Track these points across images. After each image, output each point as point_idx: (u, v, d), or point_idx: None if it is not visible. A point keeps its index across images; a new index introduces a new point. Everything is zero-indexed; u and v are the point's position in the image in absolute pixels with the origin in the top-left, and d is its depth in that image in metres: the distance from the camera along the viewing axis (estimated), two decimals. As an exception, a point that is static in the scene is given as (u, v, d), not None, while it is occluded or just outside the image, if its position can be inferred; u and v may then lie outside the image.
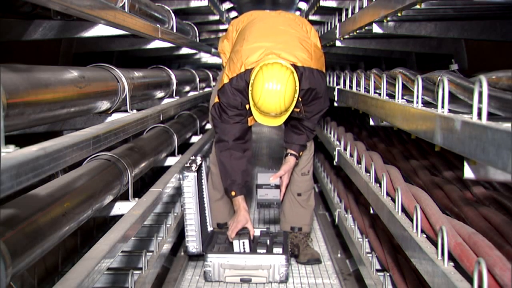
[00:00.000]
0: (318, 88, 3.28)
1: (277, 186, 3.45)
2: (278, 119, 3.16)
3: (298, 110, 3.25)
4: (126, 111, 2.64)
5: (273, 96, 3.03)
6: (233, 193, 3.35)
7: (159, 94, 3.65)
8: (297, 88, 3.11)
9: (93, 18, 2.16)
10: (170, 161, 3.71)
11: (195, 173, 3.27)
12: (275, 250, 3.24)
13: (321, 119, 3.54)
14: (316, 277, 3.36)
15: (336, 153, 3.66)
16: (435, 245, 1.67)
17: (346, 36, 3.60)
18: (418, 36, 3.19)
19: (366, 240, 2.96)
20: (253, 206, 4.98)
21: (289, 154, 3.50)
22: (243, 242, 3.25)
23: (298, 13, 7.34)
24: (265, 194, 3.45)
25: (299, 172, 3.66)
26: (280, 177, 3.46)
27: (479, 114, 1.32)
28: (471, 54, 3.45)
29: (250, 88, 3.13)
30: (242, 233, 3.29)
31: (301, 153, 3.53)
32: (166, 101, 3.79)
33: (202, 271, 3.30)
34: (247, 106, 3.26)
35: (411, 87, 2.08)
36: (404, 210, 2.11)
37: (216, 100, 3.35)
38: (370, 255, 2.86)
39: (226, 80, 3.28)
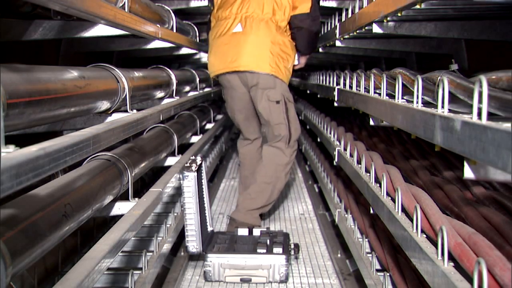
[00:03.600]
0: None
1: None
2: None
3: None
4: (126, 111, 2.64)
5: None
6: None
7: (159, 94, 3.65)
8: None
9: (93, 18, 2.16)
10: (170, 161, 3.70)
11: (195, 173, 3.27)
12: (275, 250, 3.24)
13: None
14: (316, 277, 3.36)
15: (336, 153, 3.66)
16: (435, 245, 1.67)
17: (346, 36, 3.59)
18: (418, 36, 3.19)
19: (366, 240, 2.96)
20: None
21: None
22: None
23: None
24: None
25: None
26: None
27: (479, 114, 1.32)
28: (471, 54, 3.45)
29: None
30: None
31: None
32: (166, 101, 3.79)
33: (202, 271, 3.30)
34: None
35: (411, 87, 2.08)
36: (404, 210, 2.11)
37: None
38: (370, 255, 2.86)
39: None
